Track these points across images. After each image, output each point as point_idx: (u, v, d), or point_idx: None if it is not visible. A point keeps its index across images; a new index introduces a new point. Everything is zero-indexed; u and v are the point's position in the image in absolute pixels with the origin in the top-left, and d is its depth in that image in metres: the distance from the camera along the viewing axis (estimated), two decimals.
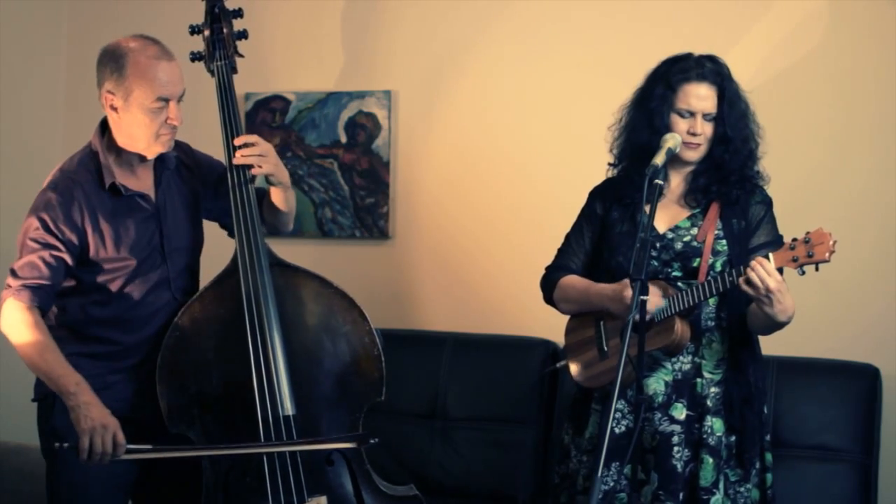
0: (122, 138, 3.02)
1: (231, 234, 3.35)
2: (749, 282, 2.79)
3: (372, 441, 3.03)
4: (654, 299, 2.92)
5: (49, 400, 3.03)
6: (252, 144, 3.16)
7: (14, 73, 4.56)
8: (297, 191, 4.35)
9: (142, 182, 3.10)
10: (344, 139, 4.42)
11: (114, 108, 2.98)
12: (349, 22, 4.44)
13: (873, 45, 3.79)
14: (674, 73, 3.02)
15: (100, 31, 4.70)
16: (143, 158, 3.05)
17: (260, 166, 3.15)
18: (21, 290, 2.93)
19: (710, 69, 3.02)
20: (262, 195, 3.27)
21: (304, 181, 4.43)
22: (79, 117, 4.72)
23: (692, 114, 3.00)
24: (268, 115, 4.49)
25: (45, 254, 2.95)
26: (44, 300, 2.96)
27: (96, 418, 2.86)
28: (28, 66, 4.64)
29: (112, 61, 2.96)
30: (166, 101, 2.96)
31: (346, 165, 4.42)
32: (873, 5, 3.80)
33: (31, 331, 2.91)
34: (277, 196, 3.25)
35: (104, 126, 3.07)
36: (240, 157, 3.15)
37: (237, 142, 3.16)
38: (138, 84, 2.93)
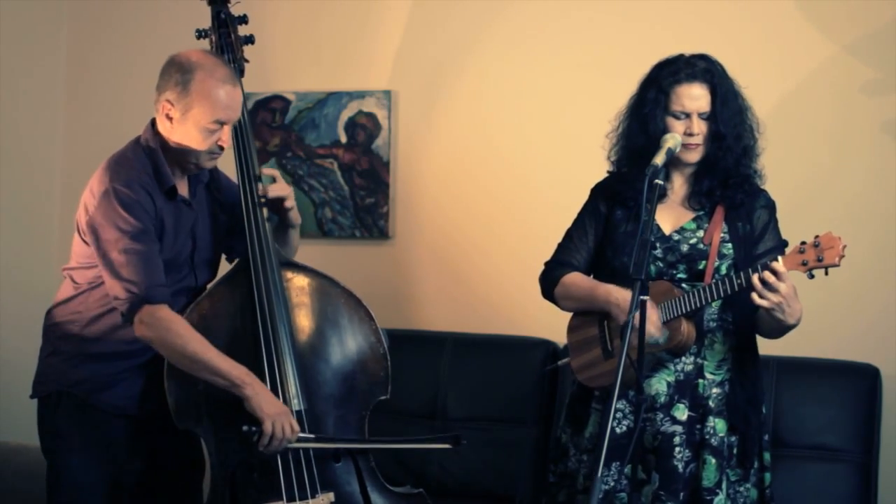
0: (175, 143, 3.00)
1: (229, 257, 3.31)
2: (761, 296, 2.79)
3: (463, 442, 3.20)
4: (650, 328, 2.87)
5: (52, 398, 3.02)
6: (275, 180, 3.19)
7: (14, 73, 4.56)
8: (297, 191, 4.36)
9: (180, 190, 3.08)
10: (344, 139, 4.42)
11: (169, 118, 2.97)
12: (349, 22, 4.44)
13: (873, 44, 3.79)
14: (665, 76, 3.01)
15: (100, 31, 4.74)
16: (184, 169, 3.05)
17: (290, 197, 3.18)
18: (149, 291, 2.87)
19: (701, 68, 3.01)
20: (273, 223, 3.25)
21: (304, 181, 4.43)
22: (79, 118, 4.74)
23: (687, 114, 2.99)
24: (268, 115, 4.48)
25: (148, 248, 2.91)
26: (168, 296, 2.93)
27: (277, 404, 2.92)
28: (28, 66, 4.64)
29: (179, 73, 2.95)
30: (222, 124, 2.96)
31: (346, 165, 4.41)
32: (872, 4, 3.80)
33: (184, 330, 2.90)
34: (290, 235, 3.27)
35: (154, 126, 3.04)
36: (274, 190, 3.15)
37: (271, 191, 3.15)
38: (200, 103, 2.93)
